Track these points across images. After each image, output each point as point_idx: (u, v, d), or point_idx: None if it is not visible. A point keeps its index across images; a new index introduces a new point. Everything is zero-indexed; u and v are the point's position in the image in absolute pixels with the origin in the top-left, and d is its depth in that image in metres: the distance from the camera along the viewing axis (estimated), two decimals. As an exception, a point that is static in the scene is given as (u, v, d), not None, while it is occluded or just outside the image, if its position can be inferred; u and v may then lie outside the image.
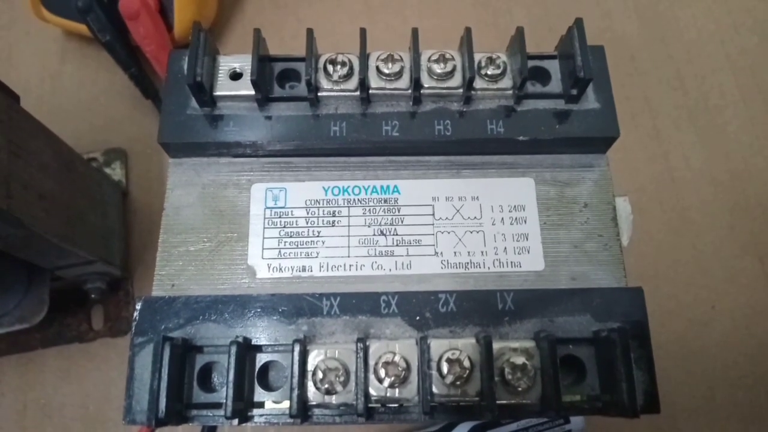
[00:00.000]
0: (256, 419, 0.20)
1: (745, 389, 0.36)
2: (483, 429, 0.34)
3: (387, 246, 0.23)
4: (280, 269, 0.23)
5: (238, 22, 0.45)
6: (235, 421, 0.19)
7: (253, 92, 0.23)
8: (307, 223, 0.23)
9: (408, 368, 0.19)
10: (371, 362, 0.19)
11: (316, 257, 0.23)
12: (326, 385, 0.19)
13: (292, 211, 0.24)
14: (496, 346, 0.20)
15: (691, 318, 0.38)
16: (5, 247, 0.29)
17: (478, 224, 0.23)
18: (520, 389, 0.19)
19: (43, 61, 0.43)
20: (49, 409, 0.36)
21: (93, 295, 0.35)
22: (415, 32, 0.23)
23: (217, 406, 0.20)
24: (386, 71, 0.23)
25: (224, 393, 0.20)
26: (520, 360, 0.19)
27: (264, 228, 0.23)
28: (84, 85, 0.43)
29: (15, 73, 0.41)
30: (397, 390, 0.19)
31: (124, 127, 0.41)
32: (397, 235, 0.23)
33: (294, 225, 0.23)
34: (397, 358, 0.19)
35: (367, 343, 0.20)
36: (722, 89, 0.43)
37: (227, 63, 0.24)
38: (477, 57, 0.23)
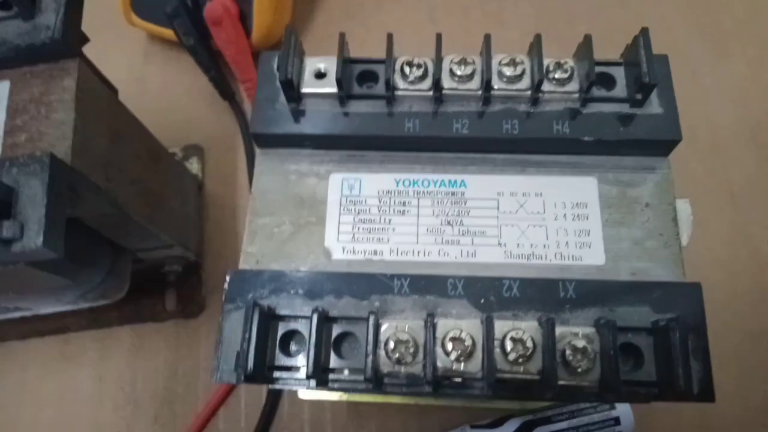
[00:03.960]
0: (331, 384, 0.22)
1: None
2: (532, 426, 0.35)
3: (453, 235, 0.25)
4: (354, 252, 0.25)
5: (309, 31, 0.48)
6: (313, 382, 0.21)
7: (335, 90, 0.25)
8: (379, 211, 0.25)
9: (473, 344, 0.21)
10: (439, 337, 0.21)
11: (387, 242, 0.25)
12: (397, 355, 0.21)
13: (365, 200, 0.25)
14: (558, 330, 0.21)
15: (748, 331, 0.38)
16: (99, 227, 0.31)
17: (541, 219, 0.25)
18: (579, 370, 0.20)
19: (128, 63, 0.47)
20: (122, 381, 0.38)
21: (170, 278, 0.38)
22: (487, 38, 0.25)
23: (296, 369, 0.22)
24: (459, 73, 0.25)
25: (302, 358, 0.22)
26: (581, 343, 0.21)
27: (340, 214, 0.25)
28: (166, 85, 0.46)
29: (105, 72, 0.45)
30: (462, 364, 0.21)
31: (201, 126, 0.44)
32: (462, 225, 0.25)
33: (367, 212, 0.25)
34: (463, 335, 0.21)
35: (435, 320, 0.21)
36: (785, 106, 0.43)
37: (313, 63, 0.26)
38: (546, 62, 0.25)
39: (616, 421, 0.35)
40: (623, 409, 0.35)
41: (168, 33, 0.43)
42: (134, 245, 0.35)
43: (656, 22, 0.46)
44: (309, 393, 0.35)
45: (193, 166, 0.43)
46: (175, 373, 0.38)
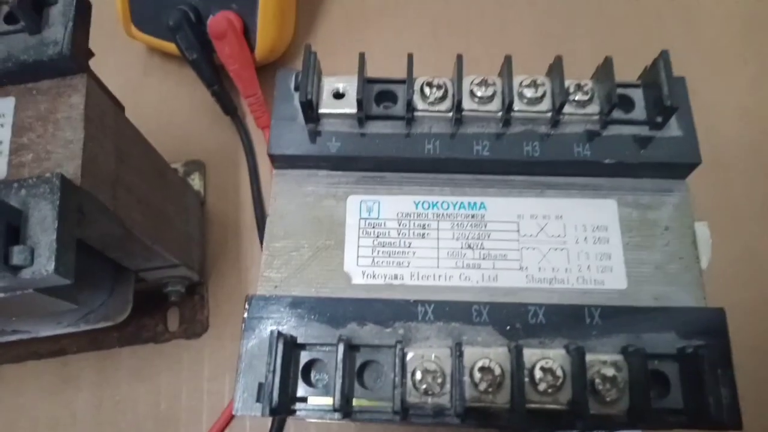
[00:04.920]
0: (355, 415, 0.21)
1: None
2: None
3: (474, 259, 0.24)
4: (374, 276, 0.24)
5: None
6: (339, 415, 0.20)
7: (353, 111, 0.25)
8: (398, 234, 0.25)
9: (503, 374, 0.20)
10: (467, 366, 0.21)
11: (407, 266, 0.24)
12: (424, 386, 0.20)
13: (384, 223, 0.25)
14: (587, 358, 0.21)
15: (757, 347, 0.38)
16: (103, 246, 0.31)
17: (562, 242, 0.25)
18: (608, 400, 0.20)
19: (127, 76, 0.46)
20: (123, 405, 0.37)
21: (172, 298, 0.37)
22: (508, 59, 0.25)
23: (319, 400, 0.21)
24: (479, 94, 0.25)
25: (325, 389, 0.21)
26: (610, 372, 0.20)
27: (359, 237, 0.25)
28: (165, 99, 0.45)
29: (104, 86, 0.44)
30: (491, 395, 0.20)
31: (203, 141, 0.43)
32: (483, 249, 0.25)
33: (387, 235, 0.25)
34: (492, 364, 0.20)
35: (462, 349, 0.21)
36: (786, 122, 0.43)
37: (331, 83, 0.25)
38: (566, 83, 0.25)
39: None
40: (635, 430, 0.34)
41: (169, 46, 0.42)
42: (137, 265, 0.34)
43: (656, 41, 0.46)
44: (316, 415, 0.35)
45: (195, 182, 0.42)
46: (178, 396, 0.37)
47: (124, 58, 0.47)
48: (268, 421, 0.36)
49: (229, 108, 0.43)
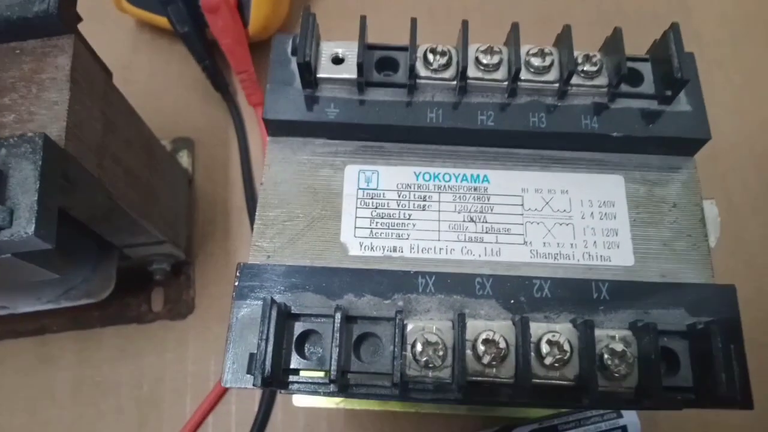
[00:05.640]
0: (352, 389, 0.20)
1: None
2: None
3: (476, 233, 0.23)
4: (372, 248, 0.23)
5: (304, 24, 0.46)
6: (335, 387, 0.19)
7: (353, 76, 0.24)
8: (398, 205, 0.24)
9: (507, 347, 0.19)
10: (470, 339, 0.20)
11: (407, 239, 0.23)
12: (425, 358, 0.19)
13: (383, 194, 0.24)
14: (595, 333, 0.20)
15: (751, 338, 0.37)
16: (87, 218, 0.29)
17: (568, 217, 0.24)
18: (617, 375, 0.19)
19: (116, 51, 0.44)
20: (104, 386, 0.36)
21: (157, 276, 0.36)
22: (515, 26, 0.24)
23: (313, 372, 0.20)
24: (485, 62, 0.24)
25: (320, 361, 0.20)
26: (619, 347, 0.20)
27: (356, 208, 0.24)
28: (155, 75, 0.44)
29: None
30: (495, 368, 0.19)
31: (192, 118, 0.42)
32: (486, 222, 0.24)
33: (385, 207, 0.24)
34: (496, 336, 0.19)
35: (465, 320, 0.20)
36: (783, 114, 0.43)
37: (330, 48, 0.24)
38: (574, 54, 0.24)
39: (623, 430, 0.34)
40: (630, 418, 0.34)
41: (160, 20, 0.41)
42: (122, 241, 0.33)
43: (652, 31, 0.46)
44: (304, 400, 0.34)
45: (183, 159, 0.40)
46: (161, 378, 0.36)
47: (113, 33, 0.45)
48: (254, 404, 0.35)
49: (220, 84, 0.42)
